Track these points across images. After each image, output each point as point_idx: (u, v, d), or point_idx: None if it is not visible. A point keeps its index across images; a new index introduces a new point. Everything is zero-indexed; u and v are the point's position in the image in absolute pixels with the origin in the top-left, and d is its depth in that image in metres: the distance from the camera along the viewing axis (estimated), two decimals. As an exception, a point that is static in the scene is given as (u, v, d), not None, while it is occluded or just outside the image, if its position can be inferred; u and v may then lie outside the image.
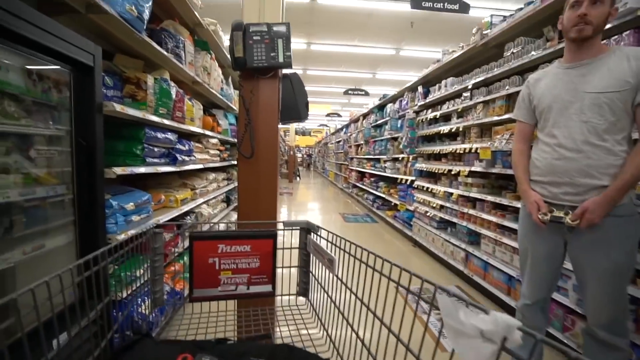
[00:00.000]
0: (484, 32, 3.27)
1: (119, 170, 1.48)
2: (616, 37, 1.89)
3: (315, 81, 12.25)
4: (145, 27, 1.65)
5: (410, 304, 0.70)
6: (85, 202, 1.35)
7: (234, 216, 3.89)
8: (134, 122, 1.81)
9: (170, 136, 2.08)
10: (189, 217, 2.51)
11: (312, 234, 1.13)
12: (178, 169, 2.22)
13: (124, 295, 1.41)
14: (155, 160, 1.95)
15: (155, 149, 1.93)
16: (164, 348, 0.71)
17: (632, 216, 1.38)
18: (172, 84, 2.15)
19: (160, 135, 1.95)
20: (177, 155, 2.20)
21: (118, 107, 1.46)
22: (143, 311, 1.45)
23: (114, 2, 1.42)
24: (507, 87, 2.81)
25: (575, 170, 1.41)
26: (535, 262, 1.59)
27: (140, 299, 1.49)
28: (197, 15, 2.51)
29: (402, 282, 0.69)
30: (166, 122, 2.01)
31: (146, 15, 1.62)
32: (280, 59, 1.53)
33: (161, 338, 0.96)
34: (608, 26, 1.83)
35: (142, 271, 1.25)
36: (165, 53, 1.98)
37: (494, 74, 3.00)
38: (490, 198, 2.92)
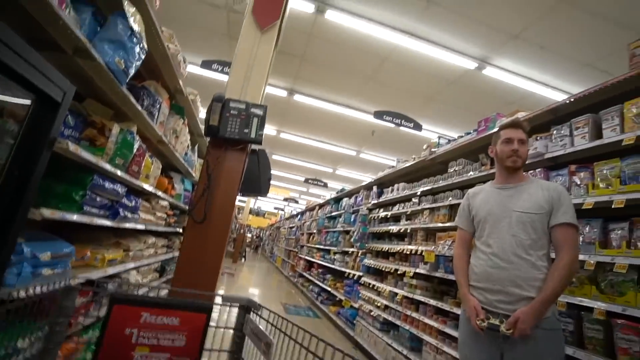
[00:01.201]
0: (433, 150, 3.78)
1: (47, 213, 1.32)
2: (532, 171, 2.31)
3: (279, 166, 12.76)
4: (127, 80, 1.70)
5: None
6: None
7: (165, 291, 3.45)
8: (83, 166, 1.70)
9: (119, 188, 1.95)
10: (110, 283, 2.19)
11: (251, 313, 1.04)
12: (116, 225, 2.02)
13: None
14: (95, 210, 1.78)
15: (98, 199, 1.78)
16: None
17: (556, 330, 1.47)
18: (137, 137, 2.12)
19: (108, 185, 1.82)
20: (120, 210, 2.02)
21: (72, 147, 1.38)
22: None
23: (105, 52, 1.48)
24: (449, 199, 3.14)
25: (507, 280, 1.52)
26: (474, 372, 1.56)
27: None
28: (180, 82, 2.65)
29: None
30: (119, 173, 1.92)
31: (132, 71, 1.69)
32: (253, 135, 1.62)
33: None
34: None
35: (27, 343, 1.00)
36: (139, 108, 2.00)
37: (439, 185, 3.37)
38: (432, 302, 2.95)
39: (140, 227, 2.42)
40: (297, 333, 0.81)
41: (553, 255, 1.56)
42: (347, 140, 9.05)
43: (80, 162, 1.62)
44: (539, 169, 2.28)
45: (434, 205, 3.40)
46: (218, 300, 1.08)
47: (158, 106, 2.37)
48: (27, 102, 1.21)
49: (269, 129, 8.95)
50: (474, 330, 1.55)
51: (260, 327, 0.96)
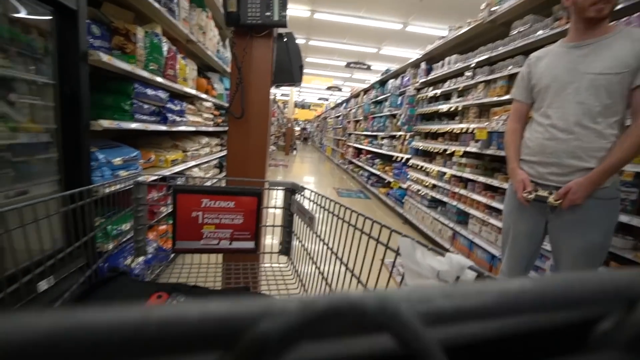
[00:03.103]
0: (493, 9, 3.15)
1: (105, 123, 1.46)
2: (625, 19, 1.84)
3: (318, 52, 11.88)
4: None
5: (386, 266, 0.69)
6: (71, 153, 1.34)
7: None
8: (123, 77, 1.76)
9: (161, 94, 2.04)
10: (179, 179, 2.51)
11: (296, 194, 1.14)
12: (169, 129, 2.19)
13: (109, 247, 1.43)
14: (145, 117, 1.92)
15: (145, 106, 1.89)
16: (140, 286, 0.73)
17: (612, 199, 1.40)
18: (164, 39, 2.07)
19: (150, 92, 1.90)
20: (168, 115, 2.16)
21: (105, 58, 1.41)
22: (128, 264, 1.47)
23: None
24: (509, 67, 2.75)
25: (564, 151, 1.41)
26: (516, 239, 1.63)
27: (127, 253, 1.51)
28: (193, -32, 2.38)
29: (381, 240, 0.67)
30: (158, 79, 1.96)
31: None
32: (276, 17, 1.47)
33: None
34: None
35: (128, 226, 1.26)
36: (157, 5, 1.90)
37: (499, 53, 2.93)
38: (481, 179, 2.94)
39: (191, 128, 2.59)
40: (339, 209, 0.88)
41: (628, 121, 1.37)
42: (391, 12, 7.86)
43: (119, 73, 1.68)
44: (637, 14, 1.79)
45: (490, 77, 3.03)
46: (266, 185, 1.20)
47: (176, 0, 2.21)
48: (48, 17, 1.20)
49: (301, 10, 8.04)
50: (519, 203, 1.55)
51: (305, 205, 1.06)
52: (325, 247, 0.95)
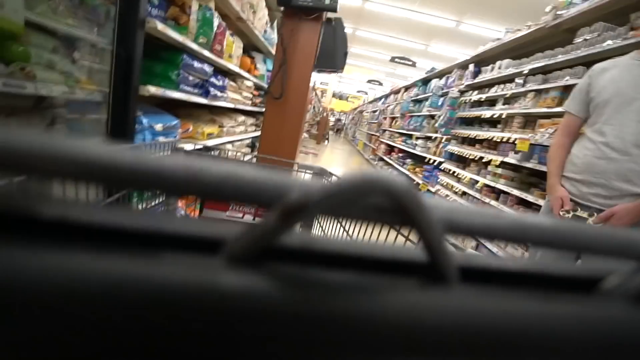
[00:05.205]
0: (559, 12, 2.93)
1: (152, 89, 1.53)
2: None
3: (363, 43, 11.65)
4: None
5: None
6: (119, 113, 1.42)
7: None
8: (173, 47, 1.83)
9: (207, 68, 2.10)
10: (211, 152, 2.60)
11: (323, 180, 1.15)
12: (209, 103, 2.25)
13: (141, 207, 1.52)
14: (189, 89, 1.99)
15: (190, 78, 1.96)
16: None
17: None
18: (216, 14, 2.12)
19: (197, 64, 1.96)
20: (210, 89, 2.22)
21: (160, 26, 1.47)
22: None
23: None
24: (566, 78, 2.57)
25: (614, 173, 1.31)
26: (545, 259, 1.55)
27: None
28: (251, -55, 2.40)
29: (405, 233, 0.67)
30: (205, 52, 2.02)
31: None
32: (327, 1, 1.46)
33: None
34: None
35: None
36: (213, -21, 1.94)
37: (557, 61, 2.74)
38: (516, 192, 2.80)
39: (230, 105, 2.65)
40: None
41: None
42: (447, 7, 7.52)
43: (170, 43, 1.75)
44: None
45: (542, 86, 2.85)
46: (295, 167, 1.22)
47: (232, -24, 2.25)
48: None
49: (353, -1, 7.89)
50: (554, 220, 1.47)
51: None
52: (346, 235, 0.95)
